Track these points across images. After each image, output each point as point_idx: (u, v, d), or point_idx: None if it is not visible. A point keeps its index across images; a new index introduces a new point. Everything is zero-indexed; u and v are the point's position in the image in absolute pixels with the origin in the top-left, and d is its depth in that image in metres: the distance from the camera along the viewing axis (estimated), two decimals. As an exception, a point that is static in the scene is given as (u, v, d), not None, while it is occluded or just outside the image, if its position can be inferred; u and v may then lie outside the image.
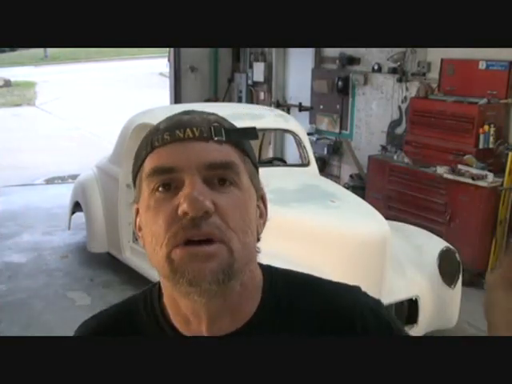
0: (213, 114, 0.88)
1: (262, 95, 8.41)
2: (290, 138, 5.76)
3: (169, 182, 0.81)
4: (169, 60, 9.12)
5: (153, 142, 0.84)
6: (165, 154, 0.82)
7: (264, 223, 0.89)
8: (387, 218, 3.76)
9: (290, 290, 0.92)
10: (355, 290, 0.95)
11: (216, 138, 0.83)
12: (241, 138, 0.86)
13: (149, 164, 0.84)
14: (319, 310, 0.90)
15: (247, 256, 0.84)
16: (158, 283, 0.93)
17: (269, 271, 0.93)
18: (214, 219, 0.79)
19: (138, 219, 0.89)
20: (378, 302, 0.95)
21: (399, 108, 6.32)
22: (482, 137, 4.99)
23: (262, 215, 0.89)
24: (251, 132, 0.86)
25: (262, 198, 0.90)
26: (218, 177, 0.81)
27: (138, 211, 0.88)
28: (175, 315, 0.89)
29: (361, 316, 0.90)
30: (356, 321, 0.89)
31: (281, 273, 0.94)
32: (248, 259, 0.84)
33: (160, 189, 0.81)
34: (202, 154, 0.81)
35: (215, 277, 0.78)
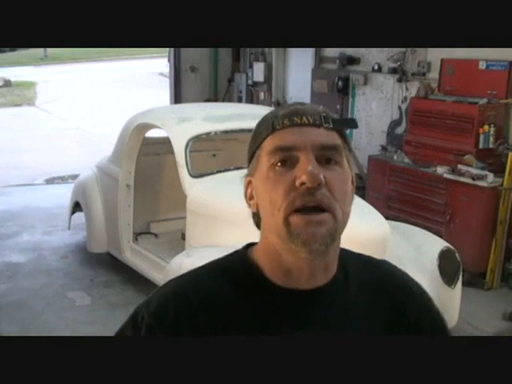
0: (319, 105, 1.05)
1: (262, 95, 8.41)
2: (290, 138, 5.76)
3: (286, 159, 0.97)
4: (169, 60, 9.11)
5: (274, 125, 1.00)
6: (285, 135, 0.99)
7: (352, 199, 1.04)
8: (387, 217, 3.76)
9: (357, 262, 1.11)
10: (407, 276, 1.14)
11: (325, 125, 0.99)
12: (344, 126, 1.04)
13: (270, 143, 1.00)
14: (377, 284, 1.08)
15: (345, 222, 0.99)
16: (248, 246, 1.08)
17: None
18: (323, 190, 0.95)
19: (249, 189, 1.06)
20: (425, 293, 1.14)
21: (399, 108, 6.32)
22: (482, 137, 4.99)
23: (353, 190, 1.04)
24: (352, 122, 1.06)
25: (352, 178, 1.05)
26: (326, 156, 0.98)
27: (249, 182, 1.05)
28: (275, 268, 1.02)
29: (413, 302, 1.09)
30: (407, 305, 1.08)
31: (349, 251, 1.11)
32: (345, 225, 1.00)
33: (279, 164, 0.98)
34: (315, 137, 0.98)
35: (324, 240, 0.94)
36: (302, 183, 0.94)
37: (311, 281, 1.01)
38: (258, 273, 1.03)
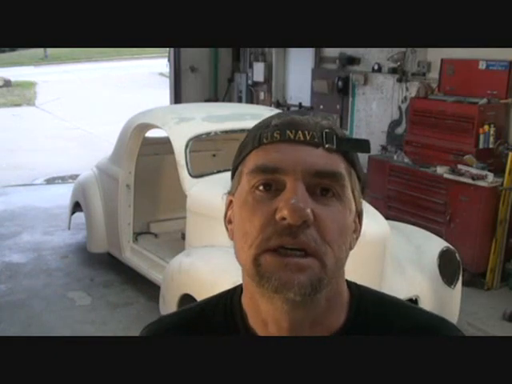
0: (326, 118, 0.83)
1: (262, 95, 8.41)
2: (289, 138, 5.76)
3: (270, 183, 0.79)
4: (169, 60, 9.12)
5: (261, 137, 0.81)
6: (271, 152, 0.79)
7: (357, 239, 0.85)
8: (387, 217, 3.76)
9: (381, 311, 0.88)
10: (453, 327, 0.90)
11: (327, 146, 0.79)
12: (352, 149, 0.82)
13: (253, 160, 0.81)
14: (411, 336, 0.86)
15: (338, 271, 0.81)
16: (241, 285, 0.90)
17: (356, 289, 0.90)
18: (311, 230, 0.76)
19: (229, 212, 0.88)
20: None
21: (399, 108, 6.32)
22: (481, 137, 4.99)
23: (356, 231, 0.85)
24: (364, 145, 0.82)
25: (359, 214, 0.85)
26: (322, 186, 0.78)
27: (230, 203, 0.87)
28: (255, 318, 0.86)
29: None
30: None
31: (370, 292, 0.91)
32: (338, 274, 0.82)
33: (260, 187, 0.79)
34: (309, 160, 0.78)
35: (302, 289, 0.76)
36: (283, 218, 0.74)
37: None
38: (239, 318, 0.87)
